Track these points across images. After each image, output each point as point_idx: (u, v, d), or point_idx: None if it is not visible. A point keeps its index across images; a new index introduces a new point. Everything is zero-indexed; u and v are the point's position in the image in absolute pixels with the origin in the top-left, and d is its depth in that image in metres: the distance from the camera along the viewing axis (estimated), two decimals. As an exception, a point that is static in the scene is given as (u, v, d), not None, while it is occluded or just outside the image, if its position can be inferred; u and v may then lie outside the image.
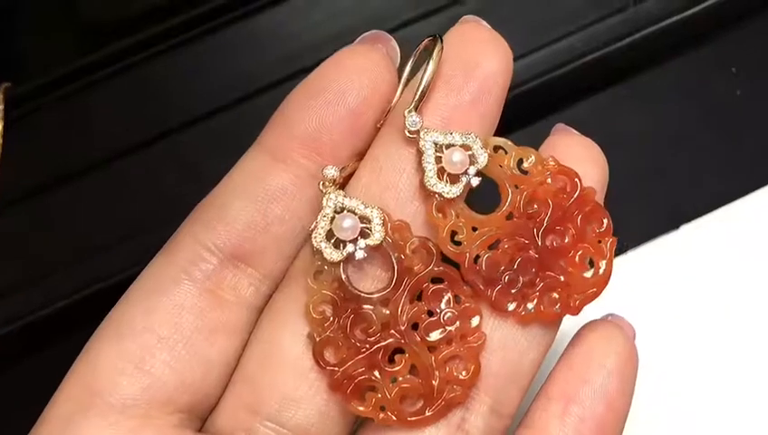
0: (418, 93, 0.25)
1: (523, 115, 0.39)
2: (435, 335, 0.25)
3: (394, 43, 0.26)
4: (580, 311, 0.26)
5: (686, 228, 0.38)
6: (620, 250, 0.37)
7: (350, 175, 0.26)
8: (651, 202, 0.39)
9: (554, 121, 0.38)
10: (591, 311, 0.35)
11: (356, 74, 0.25)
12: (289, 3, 0.39)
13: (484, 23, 0.27)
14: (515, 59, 0.37)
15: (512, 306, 0.25)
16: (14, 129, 0.38)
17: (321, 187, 0.25)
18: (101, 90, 0.39)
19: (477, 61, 0.25)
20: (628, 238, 0.38)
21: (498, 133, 0.38)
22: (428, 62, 0.25)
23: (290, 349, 0.25)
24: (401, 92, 0.26)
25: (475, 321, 0.25)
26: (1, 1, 0.41)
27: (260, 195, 0.25)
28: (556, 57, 0.38)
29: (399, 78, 0.26)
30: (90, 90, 0.39)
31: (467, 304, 0.26)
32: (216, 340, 0.25)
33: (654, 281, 0.37)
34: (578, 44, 0.38)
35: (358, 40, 0.26)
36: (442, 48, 0.25)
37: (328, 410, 0.25)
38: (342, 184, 0.26)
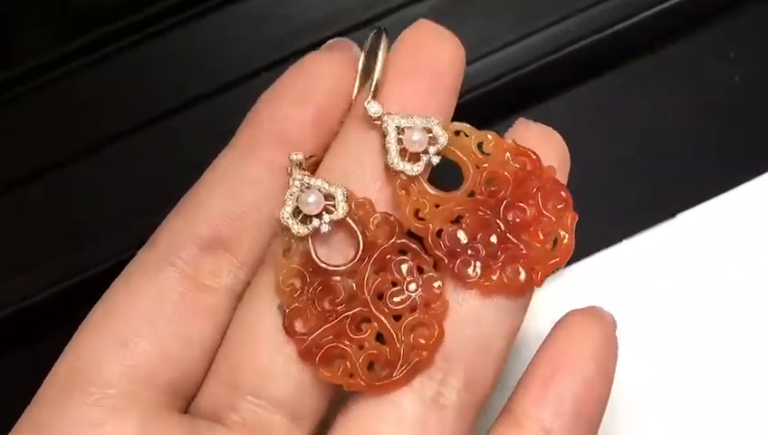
0: (374, 82, 0.27)
1: (518, 101, 0.38)
2: (399, 304, 0.26)
3: (356, 48, 0.28)
4: (542, 282, 0.26)
5: (682, 217, 0.38)
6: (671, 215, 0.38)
7: (318, 163, 0.27)
8: (647, 189, 0.39)
9: (549, 107, 0.39)
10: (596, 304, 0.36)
11: (320, 75, 0.27)
12: None
13: (436, 24, 0.28)
14: (509, 44, 0.38)
15: (471, 270, 0.26)
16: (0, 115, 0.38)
17: (288, 170, 0.26)
18: (89, 75, 0.39)
19: (431, 54, 0.27)
20: (623, 226, 0.38)
21: (492, 119, 0.38)
22: (378, 54, 0.27)
23: (265, 325, 0.26)
24: (358, 86, 0.27)
25: (436, 288, 0.26)
26: None
27: (234, 185, 0.27)
28: (550, 42, 0.38)
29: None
30: (77, 75, 0.39)
31: (430, 273, 0.26)
32: (196, 320, 0.26)
33: (650, 270, 0.37)
34: (572, 29, 0.38)
35: (323, 47, 0.28)
36: (387, 38, 0.27)
37: (305, 381, 0.26)
38: (310, 170, 0.27)
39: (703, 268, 0.37)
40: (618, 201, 0.39)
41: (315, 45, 0.38)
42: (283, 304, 0.26)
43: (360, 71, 0.28)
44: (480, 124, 0.32)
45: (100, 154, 0.38)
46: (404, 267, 0.26)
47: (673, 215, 0.38)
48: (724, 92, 0.40)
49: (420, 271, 0.26)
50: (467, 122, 0.28)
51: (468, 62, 0.36)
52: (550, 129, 0.28)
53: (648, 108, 0.40)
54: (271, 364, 0.26)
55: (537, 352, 0.27)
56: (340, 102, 0.27)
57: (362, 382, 0.26)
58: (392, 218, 0.27)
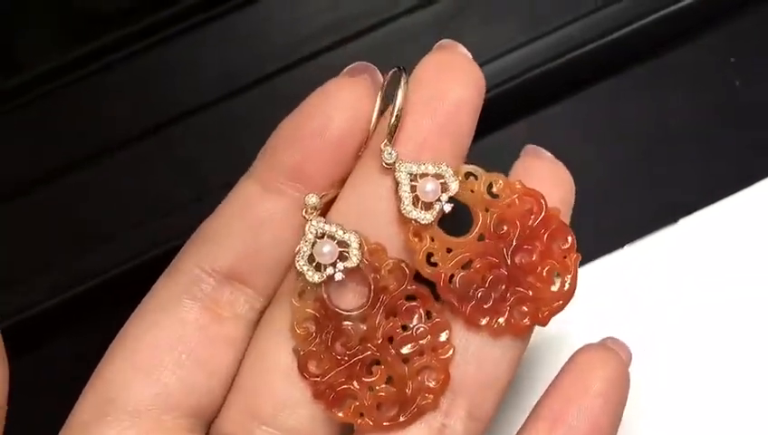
0: (390, 126, 0.27)
1: (524, 106, 0.39)
2: (408, 348, 0.28)
3: (378, 74, 0.28)
4: (547, 322, 0.28)
5: (684, 222, 0.38)
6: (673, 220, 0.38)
7: (332, 200, 0.28)
8: (649, 194, 0.39)
9: (554, 111, 0.40)
10: (595, 309, 0.36)
11: (338, 107, 0.27)
12: None
13: (461, 47, 0.28)
14: (512, 50, 0.38)
15: (484, 321, 0.27)
16: (4, 122, 0.39)
17: (303, 214, 0.27)
18: (94, 82, 0.39)
19: (448, 88, 0.27)
20: (625, 231, 0.38)
21: (498, 123, 0.38)
22: (397, 95, 0.27)
23: (282, 359, 0.27)
24: (376, 122, 0.28)
25: (443, 335, 0.28)
26: None
27: (252, 222, 0.27)
28: (555, 47, 0.38)
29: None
30: (79, 83, 0.39)
31: (438, 320, 0.28)
32: (216, 350, 0.27)
33: (652, 275, 0.37)
34: (576, 34, 0.38)
35: (345, 71, 0.28)
36: (407, 80, 0.27)
37: (318, 415, 0.28)
38: (325, 209, 0.28)
39: (705, 273, 0.37)
40: (621, 205, 0.39)
41: (316, 54, 0.38)
42: (298, 348, 0.27)
43: (378, 105, 0.27)
44: (486, 128, 0.32)
45: (104, 161, 0.38)
46: (414, 313, 0.28)
47: (675, 220, 0.38)
48: (724, 96, 0.40)
49: (429, 316, 0.28)
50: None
51: None
52: (557, 163, 0.29)
53: (650, 111, 0.40)
54: (286, 397, 0.27)
55: (549, 387, 0.28)
56: (358, 136, 0.27)
57: (371, 422, 0.27)
58: (403, 264, 0.27)
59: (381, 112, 0.28)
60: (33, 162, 0.38)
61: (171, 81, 0.39)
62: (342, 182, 0.28)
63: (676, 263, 0.37)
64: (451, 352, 0.27)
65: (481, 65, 0.36)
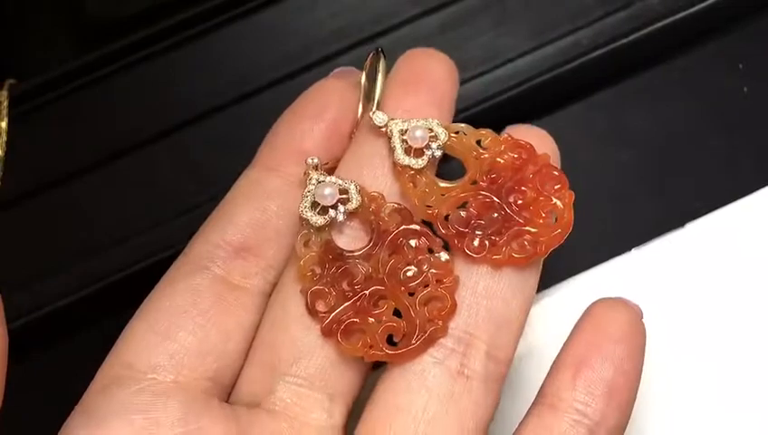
0: (377, 96, 0.30)
1: (531, 110, 0.39)
2: (412, 280, 0.28)
3: (358, 73, 0.31)
4: (547, 252, 0.28)
5: (691, 226, 0.38)
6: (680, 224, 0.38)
7: (332, 170, 0.29)
8: (656, 198, 0.39)
9: (561, 117, 0.40)
10: None
11: (329, 97, 0.30)
12: (290, 0, 0.40)
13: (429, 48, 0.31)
14: (519, 56, 0.39)
15: (476, 243, 0.28)
16: (17, 125, 0.39)
17: (305, 172, 0.29)
18: (104, 87, 0.40)
19: (426, 69, 0.30)
20: (633, 235, 0.38)
21: (501, 131, 0.38)
22: (378, 72, 0.30)
23: (294, 309, 0.28)
24: (362, 105, 0.30)
25: (442, 256, 0.28)
26: (6, 3, 0.42)
27: (258, 196, 0.29)
28: (563, 53, 0.39)
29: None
30: (93, 87, 0.39)
31: (440, 253, 0.29)
32: (231, 313, 0.28)
33: (659, 278, 0.37)
34: (584, 41, 0.39)
35: (331, 74, 0.31)
36: (385, 58, 0.30)
37: (335, 358, 0.28)
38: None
39: (711, 276, 0.37)
40: (628, 209, 0.39)
41: (327, 59, 0.39)
42: (305, 288, 0.28)
43: (362, 90, 0.30)
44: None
45: (115, 164, 0.39)
46: (414, 247, 0.29)
47: (681, 224, 0.38)
48: (732, 103, 0.40)
49: (430, 251, 0.28)
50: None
51: (482, 73, 0.38)
52: (539, 129, 0.30)
53: (658, 118, 0.40)
54: (303, 343, 0.28)
55: (567, 339, 0.28)
56: (348, 119, 0.30)
57: (380, 353, 0.28)
58: (402, 207, 0.29)
59: (366, 97, 0.30)
60: (46, 165, 0.39)
61: (184, 84, 0.40)
62: (339, 158, 0.30)
63: (684, 266, 0.37)
64: (455, 282, 0.28)
65: (488, 72, 0.38)
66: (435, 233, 0.29)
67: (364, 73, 0.30)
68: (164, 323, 0.27)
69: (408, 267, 0.28)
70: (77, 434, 0.26)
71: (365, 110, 0.30)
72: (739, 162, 0.39)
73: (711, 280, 0.37)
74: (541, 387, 0.28)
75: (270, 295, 0.29)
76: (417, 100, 0.30)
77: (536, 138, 0.30)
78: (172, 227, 0.37)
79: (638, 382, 0.28)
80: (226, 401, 0.28)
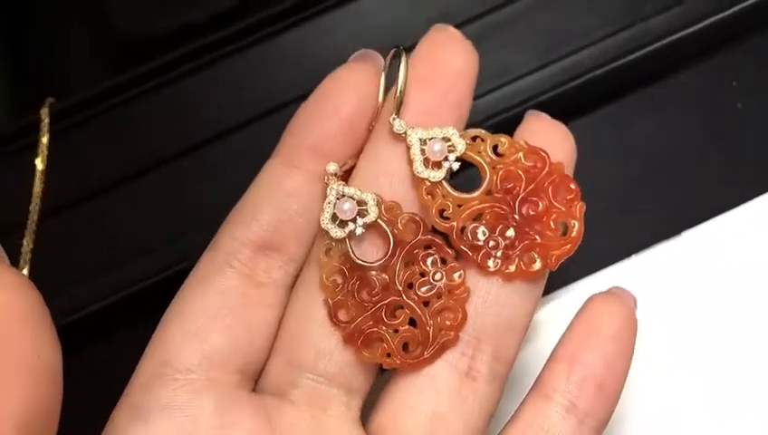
0: (396, 101, 0.30)
1: None
2: (427, 292, 0.30)
3: (380, 58, 0.31)
4: (557, 265, 0.29)
5: (687, 235, 0.38)
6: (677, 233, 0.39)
7: (351, 169, 0.30)
8: (655, 209, 0.40)
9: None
10: None
11: (347, 89, 0.30)
12: (315, 22, 0.41)
13: (452, 28, 0.31)
14: (528, 74, 0.40)
15: (492, 263, 0.29)
16: (57, 141, 0.41)
17: (325, 180, 0.29)
18: (137, 105, 0.41)
19: (444, 62, 0.30)
20: (631, 245, 0.39)
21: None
22: (399, 72, 0.30)
23: (317, 312, 0.30)
24: (383, 99, 0.30)
25: (455, 276, 0.29)
26: (43, 22, 0.43)
27: (279, 195, 0.30)
28: (567, 72, 0.40)
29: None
30: (126, 105, 0.41)
31: (452, 264, 0.30)
32: (257, 311, 0.29)
33: (655, 287, 0.38)
34: (587, 60, 0.40)
35: (351, 58, 0.31)
36: (407, 58, 0.30)
37: (353, 360, 0.30)
38: (344, 178, 0.30)
39: (708, 284, 0.38)
40: (627, 217, 0.41)
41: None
42: (328, 298, 0.29)
43: (382, 83, 0.30)
44: None
45: (147, 178, 0.40)
46: (429, 260, 0.30)
47: (679, 232, 0.39)
48: (727, 118, 0.41)
49: (444, 262, 0.30)
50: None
51: (492, 90, 0.39)
52: (558, 123, 0.31)
53: (657, 133, 0.41)
54: (323, 344, 0.29)
55: (564, 332, 0.30)
56: (367, 113, 0.30)
57: (398, 361, 0.29)
58: (418, 218, 0.30)
59: (386, 90, 0.30)
60: (79, 180, 0.40)
61: (210, 103, 0.41)
62: (358, 155, 0.30)
63: (680, 274, 0.38)
64: (467, 293, 0.29)
65: (497, 88, 0.39)
66: (449, 243, 0.30)
67: (384, 72, 0.30)
68: (196, 325, 0.29)
69: (422, 279, 0.30)
70: (127, 428, 0.28)
71: (384, 102, 0.30)
72: (734, 174, 0.40)
73: (707, 287, 0.38)
74: (537, 377, 0.30)
75: (291, 286, 0.30)
76: (436, 99, 0.30)
77: (555, 135, 0.30)
78: (198, 237, 0.37)
79: (626, 377, 0.30)
80: (253, 389, 0.30)
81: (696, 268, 0.38)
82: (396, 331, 0.30)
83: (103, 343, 0.40)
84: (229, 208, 0.38)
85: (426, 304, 0.30)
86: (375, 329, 0.29)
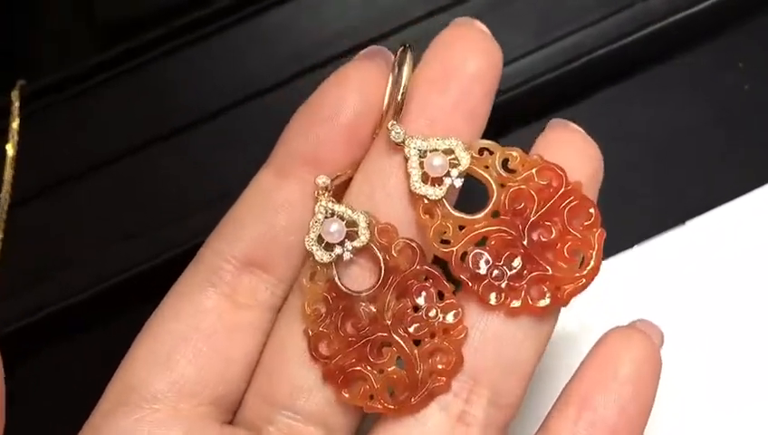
0: (397, 104, 0.27)
1: (534, 110, 0.39)
2: (418, 329, 0.27)
3: (390, 55, 0.27)
4: (569, 301, 0.26)
5: (692, 223, 0.38)
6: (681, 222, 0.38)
7: (348, 182, 0.28)
8: (658, 197, 0.39)
9: (564, 117, 0.39)
10: (604, 310, 0.36)
11: (349, 93, 0.27)
12: (298, 1, 0.40)
13: (477, 22, 0.28)
14: (526, 55, 0.38)
15: (493, 298, 0.26)
16: (28, 125, 0.39)
17: (315, 195, 0.27)
18: (113, 88, 0.40)
19: (460, 62, 0.27)
20: (635, 233, 0.38)
21: (510, 127, 0.38)
22: (402, 73, 0.27)
23: (297, 344, 0.27)
24: (389, 103, 0.27)
25: (449, 317, 0.27)
26: (16, 0, 0.42)
27: (268, 208, 0.27)
28: (566, 53, 0.39)
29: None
30: (101, 88, 0.40)
31: (450, 300, 0.27)
32: (235, 339, 0.27)
33: (660, 277, 0.37)
34: (587, 41, 0.39)
35: (358, 55, 0.28)
36: (413, 57, 0.27)
37: (334, 398, 0.27)
38: (341, 190, 0.28)
39: (712, 274, 0.37)
40: (629, 206, 0.39)
41: (334, 58, 0.39)
42: (308, 329, 0.27)
43: (389, 86, 0.27)
44: (498, 131, 0.32)
45: (123, 164, 0.39)
46: (424, 293, 0.27)
47: (683, 221, 0.38)
48: (734, 101, 0.40)
49: (441, 297, 0.27)
50: (486, 129, 0.27)
51: None
52: (583, 135, 0.28)
53: (660, 116, 0.40)
54: (303, 380, 0.27)
55: (577, 370, 0.27)
56: (371, 118, 0.27)
57: (380, 406, 0.27)
58: (414, 244, 0.27)
59: (392, 98, 0.27)
60: (58, 164, 0.39)
61: (192, 85, 0.40)
62: (358, 164, 0.28)
63: (685, 263, 0.37)
64: (464, 333, 0.26)
65: None
66: (449, 275, 0.27)
67: (391, 73, 0.27)
68: (166, 348, 0.27)
69: (414, 314, 0.27)
70: None
71: (389, 108, 0.27)
72: (740, 160, 0.39)
73: (712, 277, 0.37)
74: (545, 419, 0.27)
75: (279, 308, 0.28)
76: (444, 101, 0.27)
77: (578, 149, 0.27)
78: (182, 225, 0.37)
79: (645, 422, 0.27)
80: (230, 421, 0.28)
81: (701, 258, 0.37)
82: (381, 371, 0.27)
83: (74, 341, 0.38)
84: (210, 198, 0.37)
85: (417, 343, 0.27)
86: (358, 368, 0.27)
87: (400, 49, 0.27)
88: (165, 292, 0.28)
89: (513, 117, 0.38)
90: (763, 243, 0.38)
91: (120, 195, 0.39)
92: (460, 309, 0.27)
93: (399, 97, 0.26)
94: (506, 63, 0.37)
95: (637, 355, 0.27)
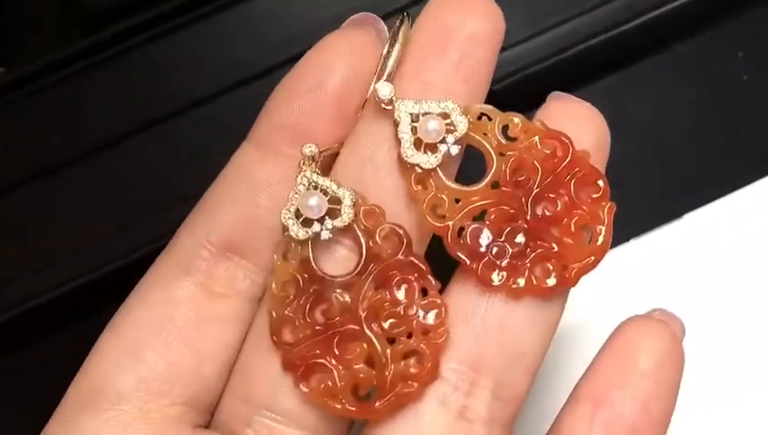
0: (390, 62, 0.25)
1: (529, 98, 0.38)
2: (394, 326, 0.25)
3: (382, 24, 0.26)
4: (576, 281, 0.24)
5: (690, 217, 0.38)
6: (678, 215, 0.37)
7: (335, 156, 0.26)
8: (655, 189, 0.39)
9: None
10: (602, 305, 0.36)
11: (336, 60, 0.25)
12: None
13: None
14: (519, 43, 0.38)
15: (496, 277, 0.24)
16: (8, 114, 0.38)
17: (300, 164, 0.25)
18: (97, 74, 0.39)
19: (458, 23, 0.25)
20: (631, 226, 0.37)
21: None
22: (397, 37, 0.25)
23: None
24: (379, 72, 0.25)
25: (431, 317, 0.24)
26: None
27: (248, 187, 0.25)
28: (560, 41, 0.38)
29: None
30: (85, 74, 0.39)
31: (433, 299, 0.25)
32: (209, 332, 0.25)
33: (657, 271, 0.37)
34: (582, 28, 0.38)
35: (345, 24, 0.26)
36: (410, 25, 0.25)
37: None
38: (327, 165, 0.26)
39: (710, 269, 0.37)
40: (625, 200, 0.38)
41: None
42: (272, 311, 0.25)
43: (382, 58, 0.25)
44: None
45: (108, 153, 0.38)
46: (405, 286, 0.25)
47: (680, 215, 0.38)
48: (732, 91, 0.40)
49: (424, 293, 0.25)
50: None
51: None
52: (588, 105, 0.26)
53: (656, 106, 0.40)
54: (281, 376, 0.25)
55: (591, 365, 0.26)
56: (359, 90, 0.25)
57: (338, 406, 0.24)
58: (402, 231, 0.25)
59: (384, 66, 0.25)
60: (36, 154, 0.38)
61: (179, 72, 0.39)
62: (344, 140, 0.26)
63: (682, 257, 0.37)
64: (444, 337, 0.24)
65: None
66: (433, 271, 0.25)
67: (387, 43, 0.25)
68: (134, 341, 0.25)
69: (392, 309, 0.24)
70: None
71: (380, 77, 0.25)
72: (739, 151, 0.39)
73: (710, 271, 0.37)
74: (557, 417, 0.25)
75: (260, 299, 0.26)
76: (441, 68, 0.24)
77: (582, 121, 0.25)
78: (160, 222, 0.36)
79: (669, 421, 0.25)
80: (207, 424, 0.26)
81: (699, 253, 0.37)
82: (347, 367, 0.24)
83: (53, 337, 0.38)
84: (196, 189, 0.36)
85: (391, 341, 0.24)
86: (322, 360, 0.24)
87: (399, 18, 0.25)
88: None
89: (505, 107, 0.37)
90: (762, 236, 0.37)
91: (102, 186, 0.38)
92: (444, 309, 0.24)
93: (392, 60, 0.24)
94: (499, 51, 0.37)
95: (657, 346, 0.25)
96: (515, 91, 0.38)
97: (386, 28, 0.26)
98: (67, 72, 0.39)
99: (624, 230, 0.37)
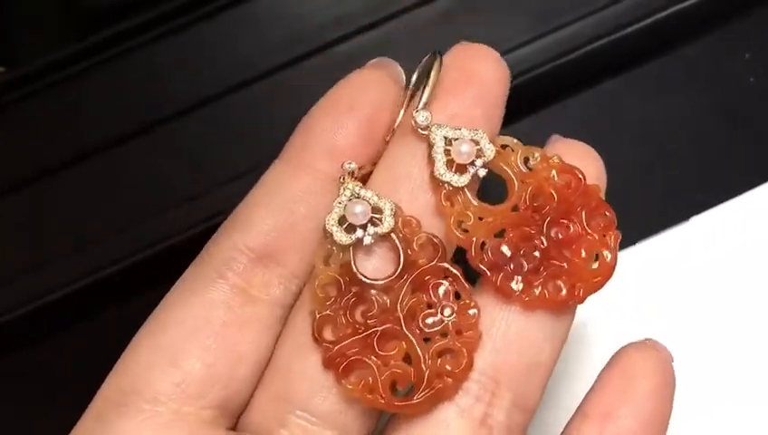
0: (425, 94, 0.27)
1: (533, 101, 0.39)
2: (431, 326, 0.26)
3: (398, 66, 0.28)
4: (585, 299, 0.27)
5: (696, 220, 0.38)
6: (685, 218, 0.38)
7: (368, 175, 0.27)
8: (661, 192, 0.39)
9: (563, 107, 0.39)
10: (607, 307, 0.36)
11: (365, 88, 0.27)
12: None
13: (479, 44, 0.29)
14: (523, 45, 0.38)
15: (515, 284, 0.26)
16: (8, 114, 0.39)
17: (340, 179, 0.27)
18: (97, 75, 0.39)
19: (475, 70, 0.28)
20: (637, 230, 0.38)
21: (508, 119, 0.38)
22: (431, 72, 0.27)
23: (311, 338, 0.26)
24: (407, 105, 0.28)
25: (471, 311, 0.26)
26: None
27: (285, 197, 0.27)
28: (565, 43, 0.38)
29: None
30: (85, 75, 0.39)
31: (467, 301, 0.26)
32: (245, 334, 0.26)
33: (663, 274, 0.37)
34: (587, 30, 0.38)
35: (367, 65, 0.29)
36: (441, 61, 0.27)
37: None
38: (362, 182, 0.27)
39: (716, 271, 0.37)
40: (631, 203, 0.38)
41: (324, 47, 0.39)
42: (315, 310, 0.26)
43: (410, 87, 0.28)
44: None
45: (108, 154, 0.38)
46: (441, 290, 0.26)
47: (686, 218, 0.38)
48: (738, 93, 0.40)
49: (458, 297, 0.26)
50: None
51: None
52: (588, 147, 0.29)
53: (661, 109, 0.40)
54: (323, 378, 0.26)
55: (595, 383, 0.27)
56: (387, 115, 0.27)
57: (381, 400, 0.26)
58: (437, 240, 0.26)
59: (411, 97, 0.28)
60: (36, 155, 0.39)
61: (178, 73, 0.39)
62: (375, 162, 0.28)
63: (688, 260, 0.37)
64: (477, 337, 0.26)
65: None
66: (468, 276, 0.27)
67: (415, 75, 0.28)
68: (171, 346, 0.25)
69: (428, 310, 0.26)
70: None
71: (406, 113, 0.28)
72: (744, 154, 0.39)
73: (715, 274, 0.37)
74: (563, 432, 0.27)
75: (292, 307, 0.27)
76: (464, 103, 0.27)
77: (586, 159, 0.28)
78: (168, 218, 0.36)
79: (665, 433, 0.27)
80: (234, 427, 0.27)
81: (705, 255, 0.37)
82: (386, 364, 0.26)
83: (54, 337, 0.37)
84: (197, 192, 0.36)
85: (427, 340, 0.26)
86: (361, 357, 0.26)
87: (429, 55, 0.28)
88: (149, 287, 0.28)
89: (509, 109, 0.37)
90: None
91: (102, 186, 0.38)
92: (477, 311, 0.26)
93: (427, 92, 0.27)
94: (503, 54, 0.37)
95: (655, 370, 0.27)
96: (520, 92, 0.37)
97: (400, 69, 0.28)
98: (67, 73, 0.39)
99: (629, 233, 0.36)
